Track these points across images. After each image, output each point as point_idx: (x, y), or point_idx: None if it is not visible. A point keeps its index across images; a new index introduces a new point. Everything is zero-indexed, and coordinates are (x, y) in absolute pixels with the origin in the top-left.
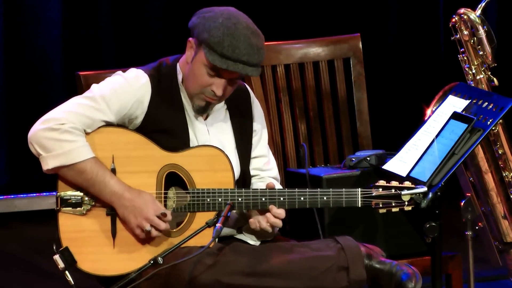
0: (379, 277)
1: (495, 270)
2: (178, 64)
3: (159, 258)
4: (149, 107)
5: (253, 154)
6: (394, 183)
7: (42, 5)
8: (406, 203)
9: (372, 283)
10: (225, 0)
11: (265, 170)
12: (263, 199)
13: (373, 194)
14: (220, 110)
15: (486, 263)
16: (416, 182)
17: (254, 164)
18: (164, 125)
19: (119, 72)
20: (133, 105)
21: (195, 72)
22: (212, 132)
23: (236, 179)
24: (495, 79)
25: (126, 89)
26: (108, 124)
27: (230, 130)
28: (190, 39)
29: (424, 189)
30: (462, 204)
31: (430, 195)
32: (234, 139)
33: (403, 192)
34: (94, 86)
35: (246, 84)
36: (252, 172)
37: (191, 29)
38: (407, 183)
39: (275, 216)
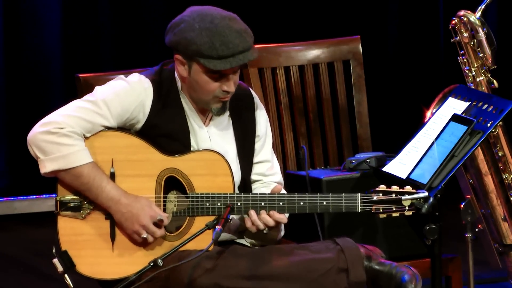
0: (379, 279)
1: (494, 272)
2: (175, 71)
3: (159, 260)
4: (150, 112)
5: (256, 159)
6: (394, 188)
7: (41, 7)
8: (407, 208)
9: (372, 285)
10: (227, 3)
11: (268, 175)
12: (262, 203)
13: (373, 199)
14: (223, 116)
15: (486, 265)
16: (416, 184)
17: (257, 169)
18: (165, 130)
19: (122, 76)
20: (135, 110)
21: (199, 83)
22: (214, 138)
23: (237, 186)
24: (495, 81)
25: (129, 93)
26: (108, 128)
27: (232, 136)
28: (177, 56)
29: (425, 194)
30: (462, 206)
31: (431, 200)
32: (236, 145)
33: (403, 197)
34: (96, 89)
35: (250, 89)
36: (255, 177)
37: (171, 47)
38: (408, 188)
39: (276, 221)
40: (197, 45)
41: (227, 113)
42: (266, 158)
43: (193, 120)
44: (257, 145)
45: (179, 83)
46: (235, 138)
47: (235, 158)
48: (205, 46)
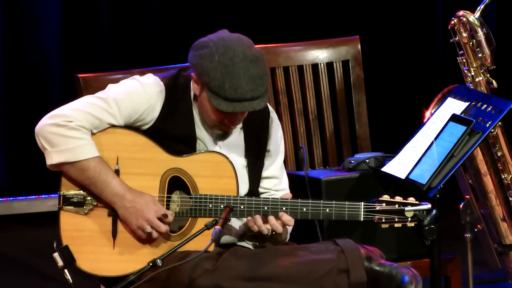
0: (379, 280)
1: (494, 273)
2: (191, 81)
3: (158, 261)
4: (159, 116)
5: (264, 174)
6: (398, 199)
7: (41, 8)
8: (409, 219)
9: (372, 286)
10: (226, 3)
11: (276, 191)
12: (265, 207)
13: (376, 209)
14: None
15: (485, 266)
16: (416, 185)
17: (264, 184)
18: (170, 136)
19: (136, 76)
20: (144, 112)
21: (206, 108)
22: (223, 149)
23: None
24: (494, 81)
25: (140, 95)
26: (115, 126)
27: (242, 148)
28: (193, 74)
29: (428, 206)
30: (461, 206)
31: (434, 212)
32: (245, 158)
33: (406, 208)
34: (109, 87)
35: (268, 104)
36: (261, 190)
37: (190, 64)
38: (411, 199)
39: (285, 223)
40: (208, 78)
41: (240, 125)
42: (275, 175)
43: (203, 129)
44: (266, 160)
45: (192, 92)
46: (244, 151)
47: (243, 169)
48: (214, 83)
